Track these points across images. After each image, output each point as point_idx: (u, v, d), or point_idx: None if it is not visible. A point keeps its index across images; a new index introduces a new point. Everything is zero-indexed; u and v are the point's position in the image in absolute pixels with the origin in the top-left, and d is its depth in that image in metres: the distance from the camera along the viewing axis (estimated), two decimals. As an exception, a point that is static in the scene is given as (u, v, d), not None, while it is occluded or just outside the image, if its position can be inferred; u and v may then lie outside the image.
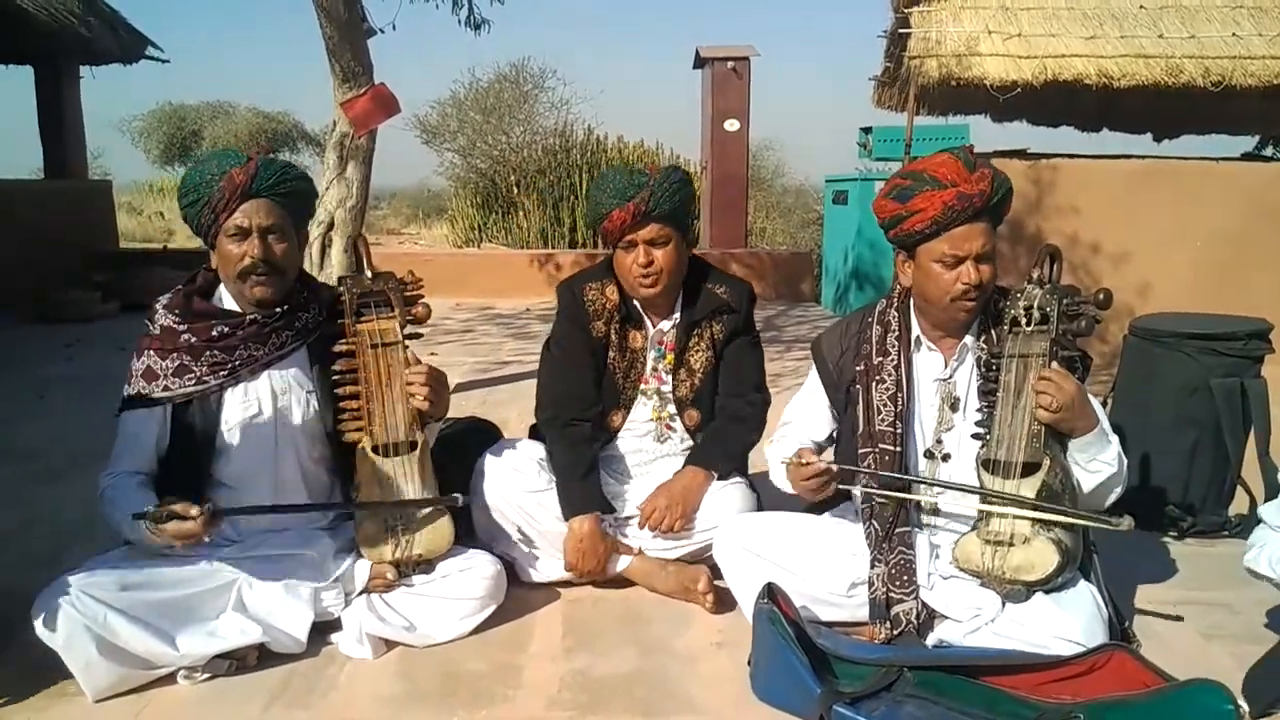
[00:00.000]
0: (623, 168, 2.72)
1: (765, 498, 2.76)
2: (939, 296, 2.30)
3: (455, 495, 2.51)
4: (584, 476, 2.70)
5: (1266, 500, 2.97)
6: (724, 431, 2.81)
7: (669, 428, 2.84)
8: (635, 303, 2.78)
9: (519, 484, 2.69)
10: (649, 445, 2.86)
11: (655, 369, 2.81)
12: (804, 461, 2.32)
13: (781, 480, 2.51)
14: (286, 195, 2.40)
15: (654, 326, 2.81)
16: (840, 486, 2.38)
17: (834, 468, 2.33)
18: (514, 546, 2.70)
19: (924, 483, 2.37)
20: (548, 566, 2.72)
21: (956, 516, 2.38)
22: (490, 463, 2.72)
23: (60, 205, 9.23)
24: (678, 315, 2.80)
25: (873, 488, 2.37)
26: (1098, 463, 2.22)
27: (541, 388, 2.89)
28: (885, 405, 2.39)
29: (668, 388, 2.82)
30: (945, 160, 2.28)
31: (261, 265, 2.33)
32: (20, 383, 5.53)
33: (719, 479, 2.75)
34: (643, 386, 2.82)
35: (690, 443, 2.86)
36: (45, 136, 9.69)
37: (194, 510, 2.11)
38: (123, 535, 2.26)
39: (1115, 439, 2.25)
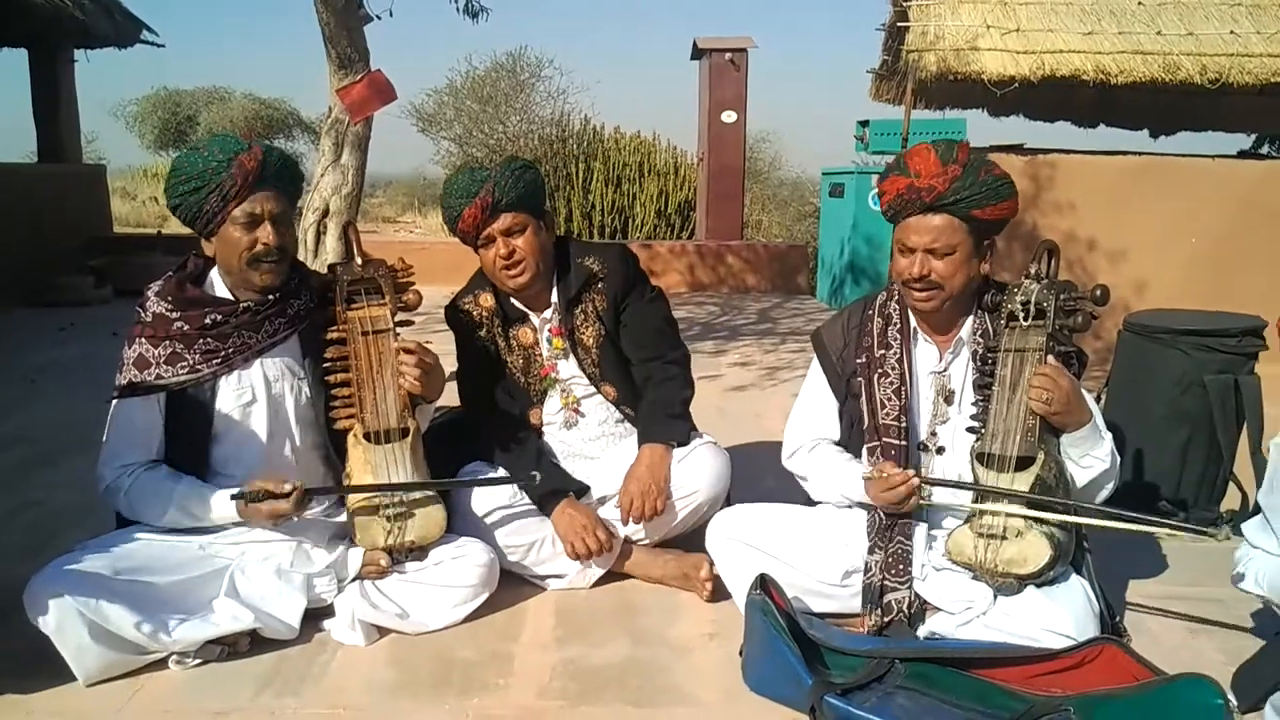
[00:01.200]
0: (465, 169, 2.73)
1: (757, 491, 2.77)
2: (895, 278, 2.36)
3: (534, 473, 2.55)
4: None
5: (1256, 501, 2.99)
6: (658, 401, 2.78)
7: (576, 412, 2.83)
8: (513, 301, 2.78)
9: (495, 499, 2.68)
10: (566, 435, 2.85)
11: (552, 359, 2.81)
12: (885, 474, 2.27)
13: (822, 493, 2.51)
14: (290, 182, 2.41)
15: (538, 317, 2.80)
16: (920, 502, 2.30)
17: (918, 480, 2.26)
18: (505, 556, 2.66)
19: (997, 492, 2.19)
20: (545, 569, 2.70)
21: (954, 508, 2.38)
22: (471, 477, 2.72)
23: (54, 189, 9.19)
24: (555, 300, 2.79)
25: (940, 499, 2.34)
26: (1090, 458, 2.22)
27: (465, 407, 2.90)
28: (890, 399, 2.38)
29: (566, 374, 2.81)
30: (923, 150, 2.30)
31: (275, 252, 2.33)
32: (13, 368, 5.52)
33: (680, 445, 2.74)
34: (546, 379, 2.81)
35: (617, 416, 2.84)
36: (39, 120, 9.65)
37: (287, 487, 2.24)
38: (169, 524, 2.30)
39: (1108, 435, 2.26)
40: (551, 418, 2.84)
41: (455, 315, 2.84)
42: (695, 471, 2.69)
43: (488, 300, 2.79)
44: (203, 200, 2.28)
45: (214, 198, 2.28)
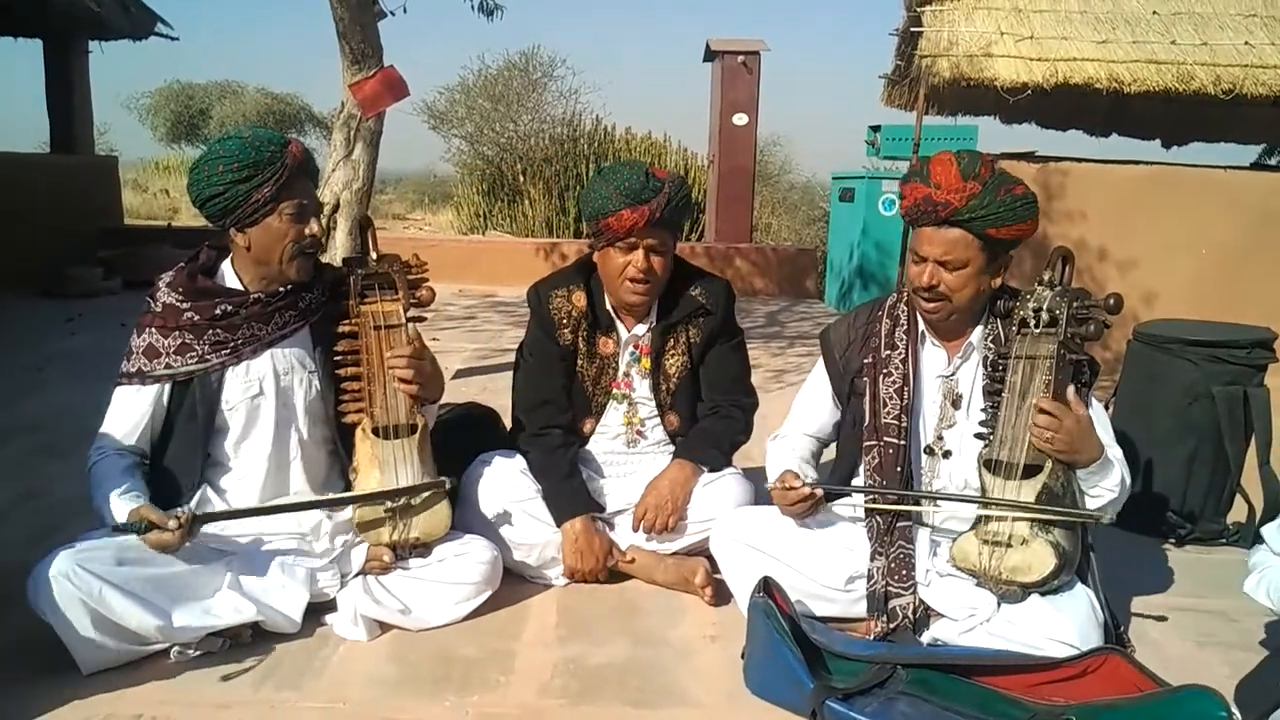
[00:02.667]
0: (633, 166, 2.63)
1: (761, 495, 2.76)
2: (909, 282, 2.37)
3: (443, 479, 2.47)
4: (566, 479, 2.68)
5: (1265, 510, 2.98)
6: (712, 430, 2.79)
7: (639, 434, 2.81)
8: (608, 307, 2.74)
9: (508, 495, 2.66)
10: (620, 447, 2.83)
11: (628, 374, 2.77)
12: (788, 486, 2.35)
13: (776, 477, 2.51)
14: (316, 174, 2.43)
15: (628, 331, 2.76)
16: (830, 505, 2.41)
17: (818, 492, 2.35)
18: (509, 552, 2.66)
19: (911, 495, 2.35)
20: (550, 568, 2.70)
21: (959, 514, 2.37)
22: (481, 474, 2.70)
23: (66, 180, 9.21)
24: (653, 319, 2.76)
25: (867, 502, 2.38)
26: (1100, 488, 2.20)
27: (515, 395, 2.87)
28: (891, 399, 2.39)
29: (639, 394, 2.79)
30: (945, 160, 2.26)
31: (316, 244, 2.37)
32: (22, 358, 5.53)
33: (709, 471, 2.74)
34: (614, 392, 2.78)
35: (668, 444, 2.84)
36: (53, 111, 9.67)
37: (171, 522, 2.10)
38: (103, 519, 2.23)
39: (1120, 464, 2.22)
40: (605, 429, 2.81)
41: (541, 303, 2.74)
42: (718, 499, 2.68)
43: (580, 299, 2.72)
44: (253, 190, 2.26)
45: (269, 187, 2.26)
